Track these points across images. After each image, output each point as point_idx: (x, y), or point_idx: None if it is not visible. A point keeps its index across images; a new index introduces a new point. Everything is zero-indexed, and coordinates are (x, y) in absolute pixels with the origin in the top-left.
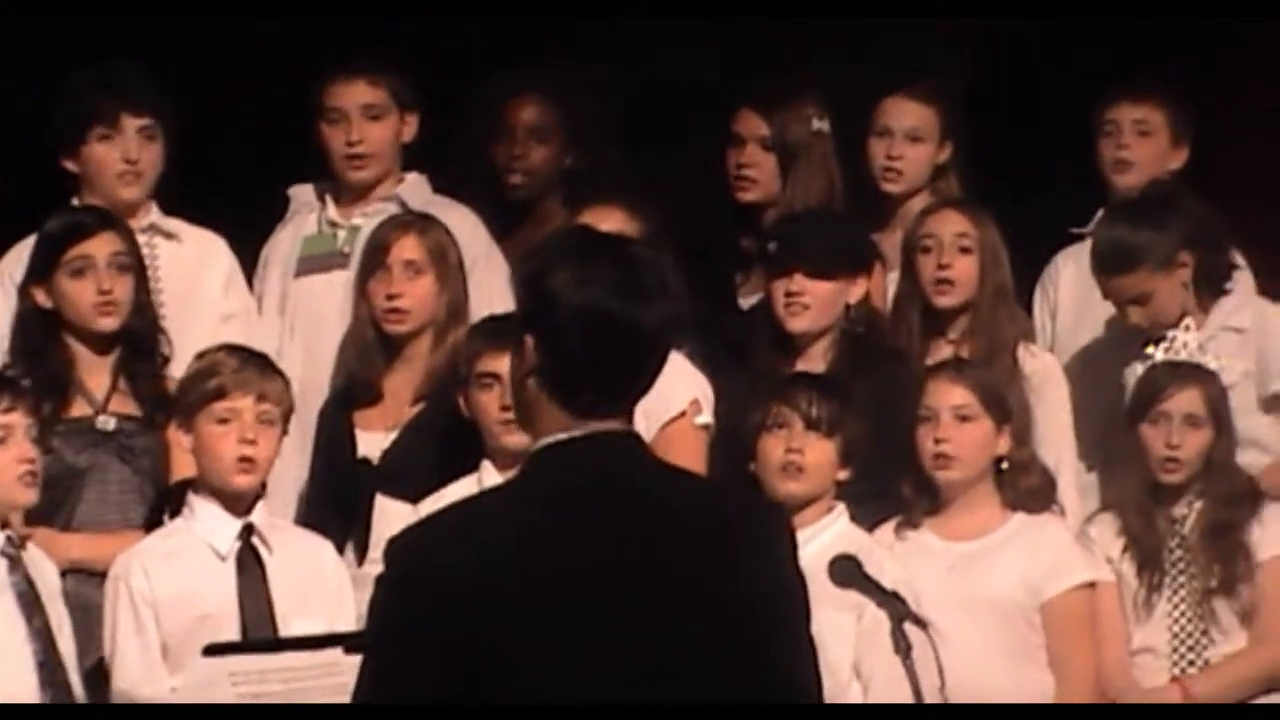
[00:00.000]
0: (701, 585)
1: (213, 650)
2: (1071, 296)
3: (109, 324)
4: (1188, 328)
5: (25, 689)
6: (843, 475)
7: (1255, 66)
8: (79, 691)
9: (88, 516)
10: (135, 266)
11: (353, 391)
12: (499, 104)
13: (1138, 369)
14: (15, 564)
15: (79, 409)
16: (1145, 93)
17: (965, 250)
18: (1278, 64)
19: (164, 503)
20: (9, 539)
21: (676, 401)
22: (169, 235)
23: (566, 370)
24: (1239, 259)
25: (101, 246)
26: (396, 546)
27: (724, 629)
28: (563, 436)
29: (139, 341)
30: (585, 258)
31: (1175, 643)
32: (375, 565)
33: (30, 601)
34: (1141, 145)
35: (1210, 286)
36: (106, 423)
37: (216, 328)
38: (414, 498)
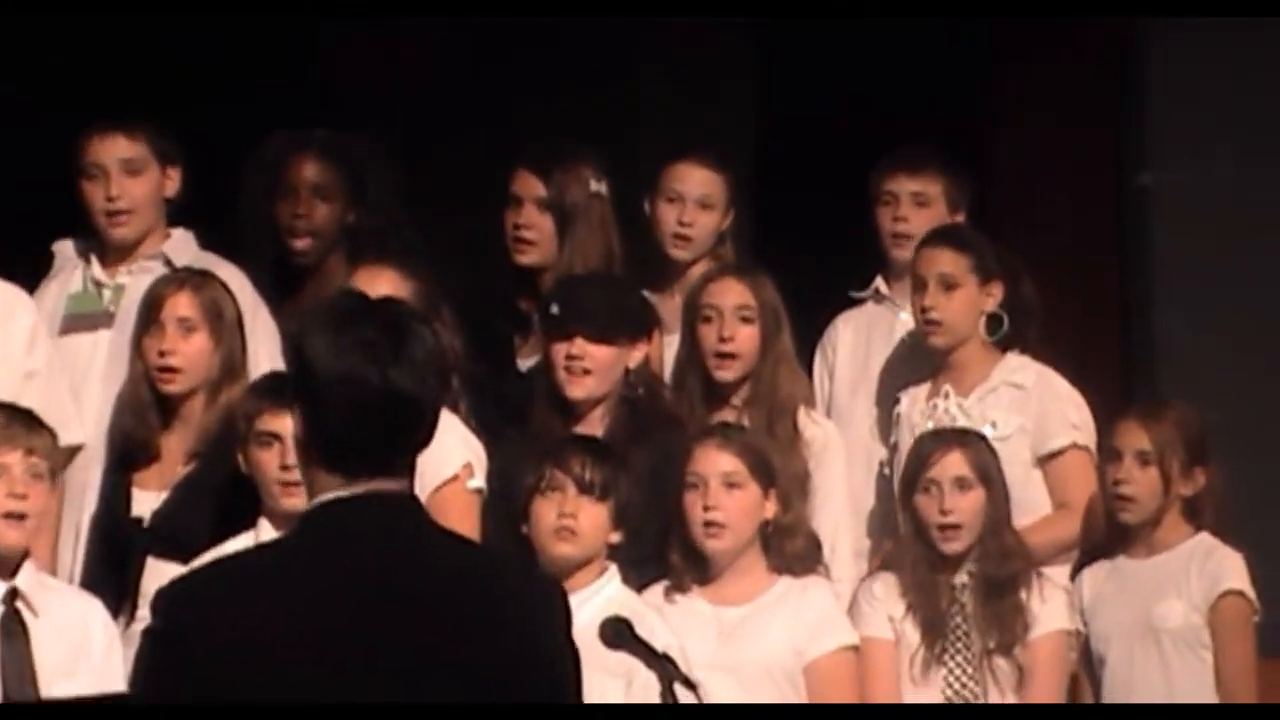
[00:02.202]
0: (467, 652)
1: None
2: (849, 360)
3: None
4: (947, 395)
5: None
6: (615, 538)
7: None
8: None
9: None
10: None
11: (129, 451)
12: (280, 162)
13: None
14: None
15: None
16: (922, 164)
17: (746, 320)
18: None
19: None
20: None
21: (449, 465)
22: None
23: (329, 436)
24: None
25: None
26: (161, 599)
27: (489, 696)
28: (334, 496)
29: None
30: (341, 323)
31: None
32: (144, 624)
33: None
34: (919, 216)
35: (1001, 340)
36: None
37: (19, 385)
38: (186, 557)
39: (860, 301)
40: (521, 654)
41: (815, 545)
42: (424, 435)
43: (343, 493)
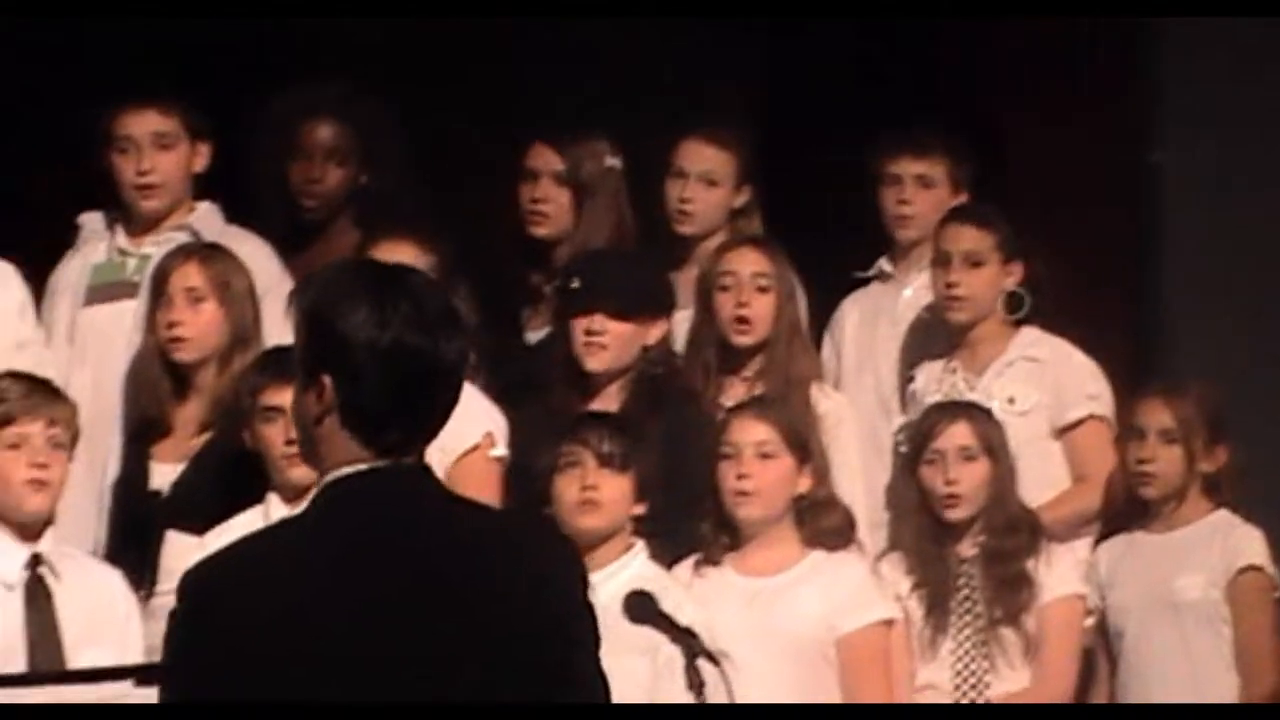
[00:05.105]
0: (493, 615)
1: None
2: (854, 338)
3: None
4: (954, 370)
5: None
6: (639, 510)
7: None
8: None
9: None
10: None
11: (143, 422)
12: (294, 123)
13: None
14: None
15: None
16: (926, 146)
17: (763, 289)
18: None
19: None
20: None
21: (471, 434)
22: None
23: (369, 410)
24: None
25: None
26: (187, 580)
27: (517, 657)
28: (353, 470)
29: None
30: (379, 295)
31: (958, 680)
32: (163, 598)
33: None
34: (923, 198)
35: (1022, 319)
36: None
37: (10, 355)
38: (203, 530)
39: (865, 281)
40: (546, 612)
41: (850, 521)
42: (451, 409)
43: (364, 465)
